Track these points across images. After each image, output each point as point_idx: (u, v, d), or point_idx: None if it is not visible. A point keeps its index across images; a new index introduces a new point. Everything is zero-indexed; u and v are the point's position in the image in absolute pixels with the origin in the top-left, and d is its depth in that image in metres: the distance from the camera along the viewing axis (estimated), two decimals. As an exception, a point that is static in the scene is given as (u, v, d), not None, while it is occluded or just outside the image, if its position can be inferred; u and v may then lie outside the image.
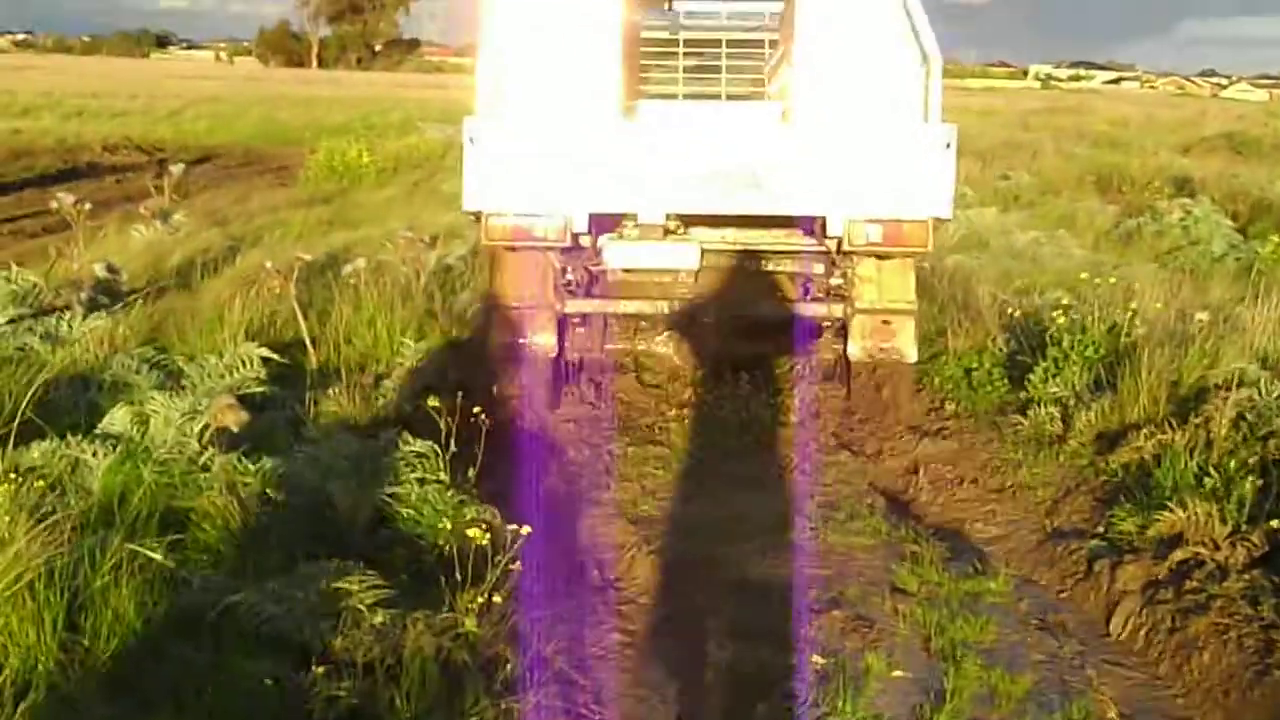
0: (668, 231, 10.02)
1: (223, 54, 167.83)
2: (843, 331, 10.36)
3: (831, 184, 9.41)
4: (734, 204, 9.48)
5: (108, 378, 9.25)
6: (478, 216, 9.68)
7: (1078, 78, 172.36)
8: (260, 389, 9.40)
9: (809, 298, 10.97)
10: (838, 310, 10.34)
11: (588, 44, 9.55)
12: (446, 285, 13.34)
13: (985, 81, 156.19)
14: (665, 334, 11.07)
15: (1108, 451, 9.36)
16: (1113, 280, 12.66)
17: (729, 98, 11.38)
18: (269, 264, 11.76)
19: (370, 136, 30.42)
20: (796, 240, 10.53)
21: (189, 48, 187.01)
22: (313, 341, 10.96)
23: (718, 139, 9.50)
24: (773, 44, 11.19)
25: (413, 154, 29.99)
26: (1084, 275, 12.60)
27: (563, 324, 10.30)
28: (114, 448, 7.50)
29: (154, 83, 66.94)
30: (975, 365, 11.32)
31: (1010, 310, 12.45)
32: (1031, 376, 10.73)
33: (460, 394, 8.70)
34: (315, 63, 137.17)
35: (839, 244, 9.74)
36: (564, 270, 10.27)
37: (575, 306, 10.45)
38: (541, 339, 10.10)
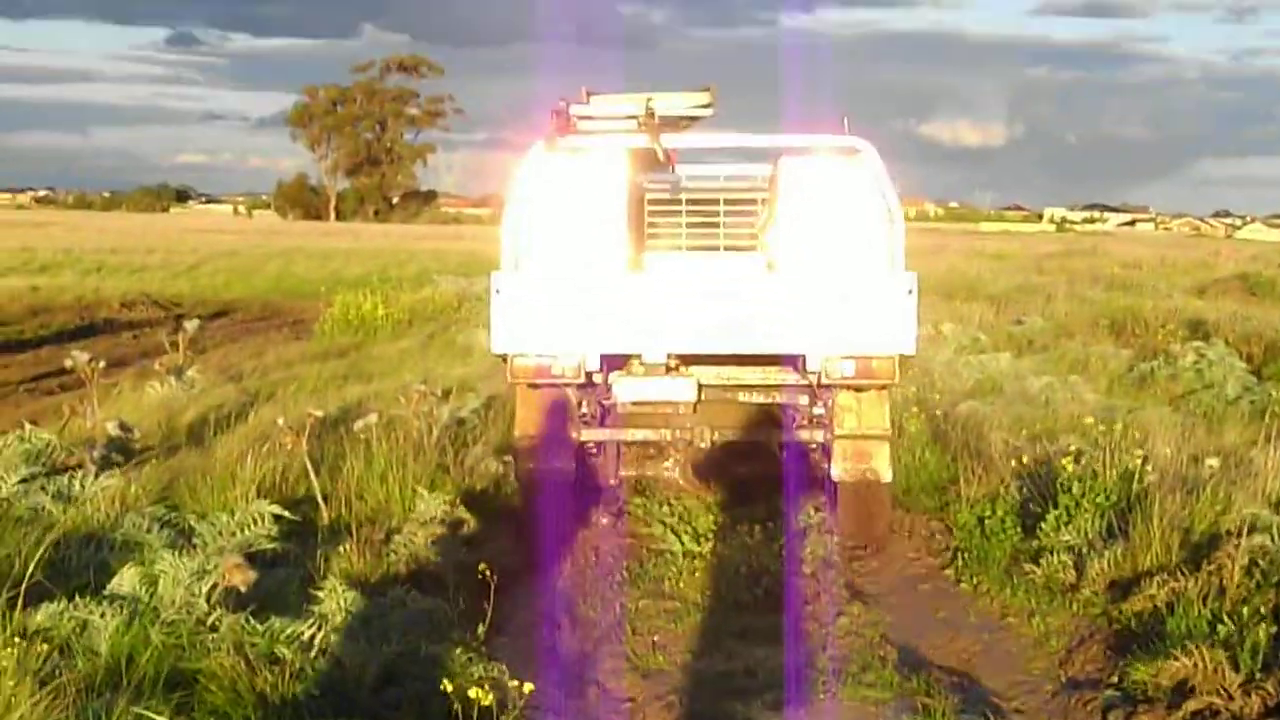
0: (669, 369, 11.22)
1: (241, 207, 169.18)
2: (826, 454, 11.50)
3: (810, 326, 10.76)
4: (726, 345, 10.84)
5: (118, 537, 9.28)
6: (504, 358, 10.97)
7: (1092, 220, 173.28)
8: (271, 546, 9.42)
9: (795, 425, 12.04)
10: (820, 436, 11.66)
11: (599, 206, 11.12)
12: (459, 439, 13.40)
13: (1001, 225, 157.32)
14: (670, 460, 12.61)
15: (1121, 599, 9.35)
16: (1125, 425, 12.68)
17: (726, 249, 12.51)
18: (281, 420, 11.82)
19: (386, 289, 30.59)
20: (782, 375, 11.64)
21: (208, 201, 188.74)
22: (324, 497, 11.00)
23: (711, 288, 10.89)
24: (763, 202, 12.35)
25: (428, 306, 30.19)
26: (1089, 420, 12.60)
27: (579, 452, 11.57)
28: (122, 609, 7.52)
29: (173, 237, 67.61)
30: (988, 513, 11.32)
31: (1023, 457, 12.47)
32: (1044, 524, 10.74)
33: (471, 547, 8.72)
34: (333, 215, 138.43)
35: (819, 378, 11.00)
36: (580, 404, 11.50)
37: (590, 435, 11.71)
38: (561, 465, 11.27)
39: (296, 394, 15.93)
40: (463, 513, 10.92)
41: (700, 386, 11.26)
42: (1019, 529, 11.05)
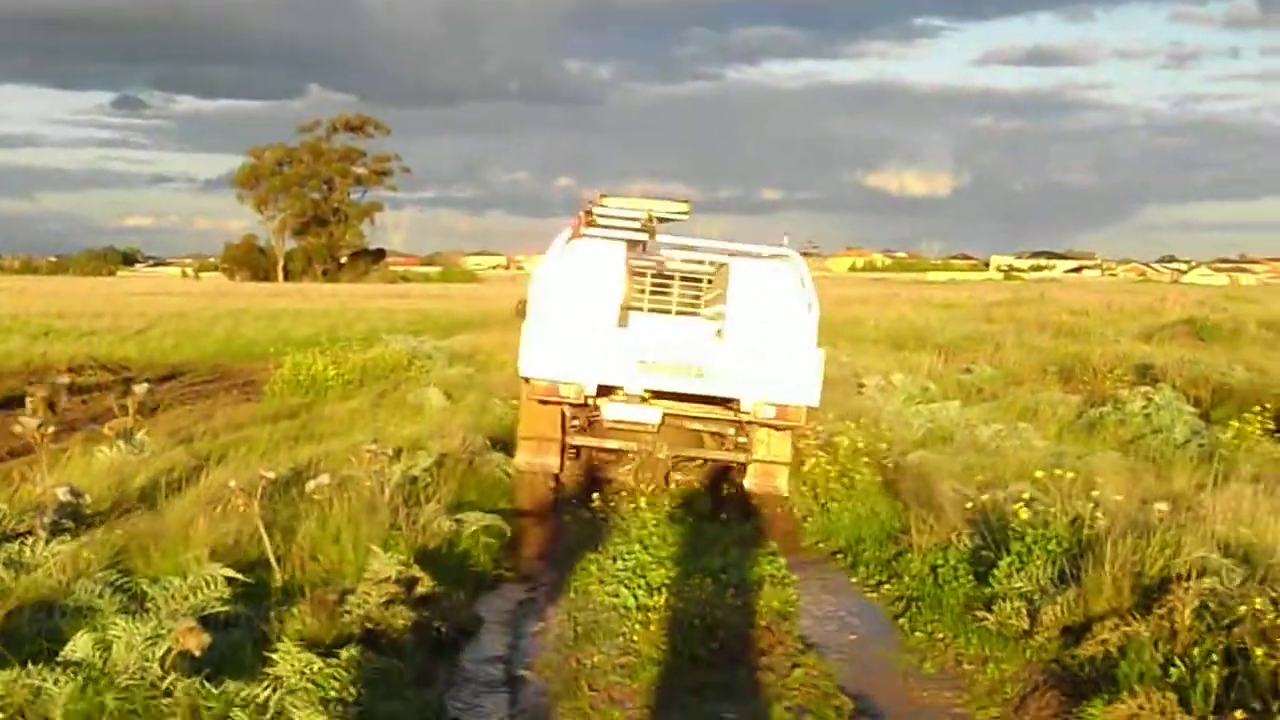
0: (642, 400, 15.61)
1: (189, 269, 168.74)
2: (741, 471, 16.12)
3: (746, 379, 15.00)
4: (684, 386, 15.21)
5: (71, 603, 9.23)
6: (526, 380, 15.51)
7: (1039, 267, 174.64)
8: (225, 609, 9.38)
9: (723, 448, 16.38)
10: (741, 457, 16.06)
11: (602, 280, 15.31)
12: (412, 497, 13.37)
13: (948, 274, 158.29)
14: (628, 466, 16.45)
15: (1074, 644, 9.42)
16: (1075, 472, 12.77)
17: (676, 313, 15.94)
18: (233, 482, 11.78)
19: (335, 349, 30.45)
20: (720, 412, 15.76)
21: (156, 264, 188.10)
22: (278, 559, 10.96)
23: (676, 345, 15.27)
24: (709, 281, 16.07)
25: (378, 365, 30.03)
26: (1040, 472, 12.69)
27: (564, 453, 16.17)
28: (76, 675, 7.48)
29: (120, 300, 67.25)
30: (940, 561, 11.39)
31: (974, 505, 12.55)
32: (996, 571, 10.81)
33: (426, 606, 8.71)
34: (281, 275, 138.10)
35: (748, 417, 15.26)
36: (573, 418, 16.05)
37: (579, 440, 16.30)
38: (551, 460, 16.00)
39: (248, 456, 15.86)
40: (416, 571, 10.88)
41: (664, 415, 15.82)
42: (972, 576, 11.12)
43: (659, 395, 15.53)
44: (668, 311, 15.88)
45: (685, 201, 16.25)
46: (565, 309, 15.21)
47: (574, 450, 16.43)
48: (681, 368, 15.01)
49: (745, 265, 15.55)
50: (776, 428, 15.35)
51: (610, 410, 15.84)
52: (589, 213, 15.84)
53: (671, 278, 16.06)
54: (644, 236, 16.03)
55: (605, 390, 15.48)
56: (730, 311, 15.22)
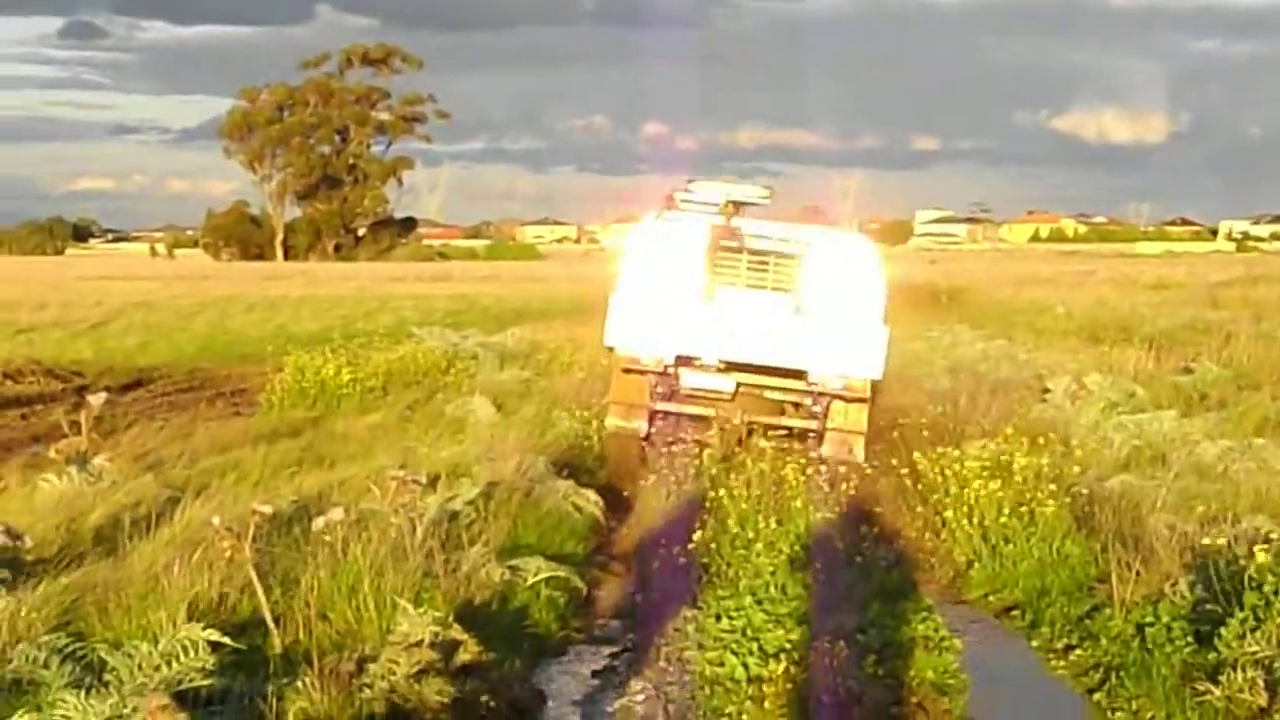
0: (718, 370, 20.87)
1: (160, 246, 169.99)
2: (819, 439, 21.15)
3: (814, 352, 20.39)
4: (759, 357, 20.53)
5: (7, 674, 9.34)
6: (611, 349, 21.37)
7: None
8: (208, 682, 9.46)
9: (798, 416, 21.61)
10: (814, 425, 21.23)
11: (686, 257, 20.81)
12: (452, 538, 13.45)
13: (1162, 245, 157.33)
14: (712, 430, 21.12)
15: (1327, 727, 9.35)
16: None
17: (771, 289, 21.11)
18: (218, 520, 11.85)
19: (352, 347, 30.60)
20: (795, 383, 20.97)
21: (116, 240, 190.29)
22: (276, 618, 11.06)
23: (751, 318, 20.61)
24: (788, 264, 21.11)
25: (407, 368, 30.08)
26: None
27: (651, 417, 21.62)
28: (14, 767, 7.57)
29: (69, 287, 67.87)
30: (1150, 619, 11.34)
31: (1195, 545, 12.48)
32: (1224, 631, 10.73)
33: (471, 677, 8.75)
34: (281, 253, 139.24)
35: (817, 388, 20.63)
36: (656, 386, 21.27)
37: (661, 406, 21.58)
38: (637, 424, 21.47)
39: (237, 485, 15.99)
40: (457, 632, 10.95)
41: (739, 385, 21.21)
42: (1191, 638, 11.06)
43: (735, 367, 20.94)
44: (746, 287, 21.13)
45: (768, 188, 22.88)
46: (648, 282, 20.77)
47: (661, 415, 21.96)
48: (755, 339, 20.45)
49: (821, 247, 21.05)
50: (843, 399, 20.79)
51: (687, 378, 21.26)
52: (673, 196, 22.11)
53: (752, 255, 21.18)
54: (723, 219, 21.42)
55: (685, 361, 20.95)
56: (803, 289, 20.84)
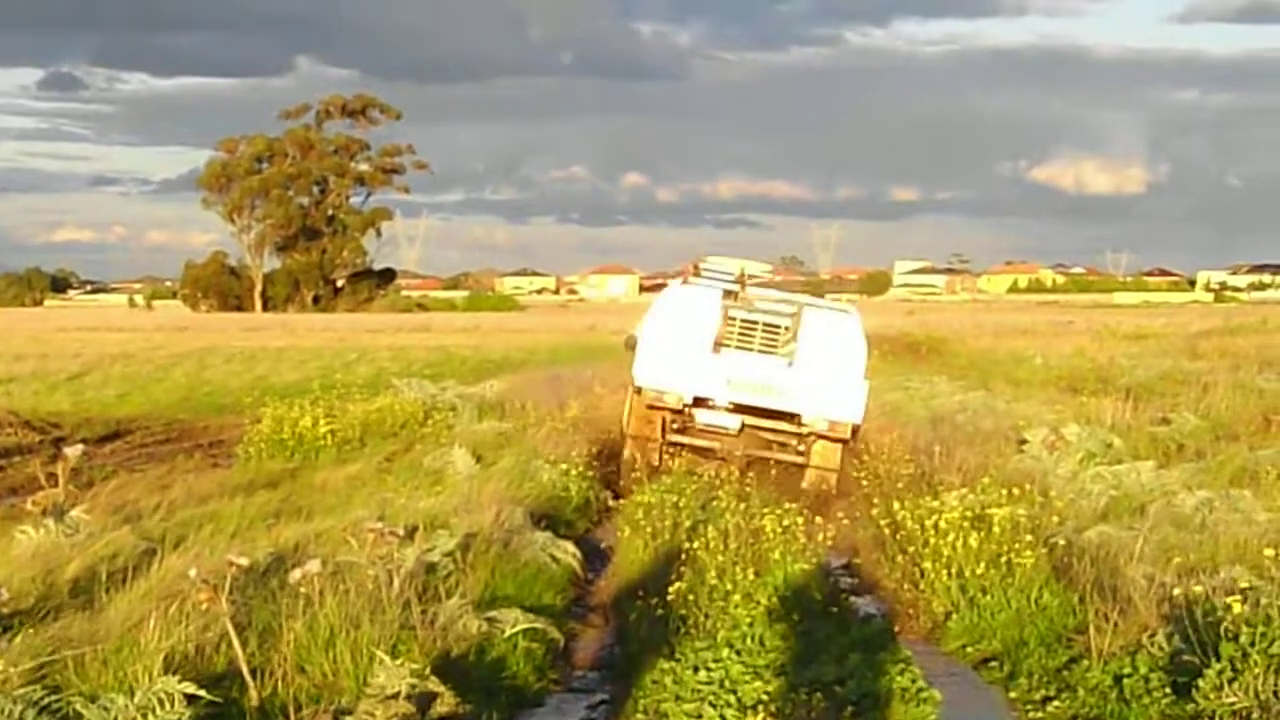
0: (727, 410, 25.39)
1: (138, 297, 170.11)
2: (800, 472, 25.37)
3: (807, 398, 24.84)
4: (762, 401, 25.10)
5: (-17, 728, 9.32)
6: (638, 390, 25.45)
7: (1260, 285, 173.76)
8: (184, 736, 9.44)
9: (787, 452, 25.67)
10: (800, 459, 25.43)
11: (703, 317, 25.28)
12: (430, 590, 13.44)
13: (1140, 295, 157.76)
14: (713, 464, 24.68)
15: (1306, 778, 9.35)
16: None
17: (758, 351, 25.55)
18: (195, 572, 11.85)
19: (330, 399, 30.65)
20: (785, 425, 25.32)
21: (95, 291, 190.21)
22: (253, 671, 11.04)
23: (756, 370, 25.10)
24: (786, 329, 25.51)
25: (385, 419, 30.15)
26: (1270, 551, 12.60)
27: (664, 449, 25.77)
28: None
29: (48, 338, 67.91)
30: (1128, 670, 11.35)
31: (1172, 596, 12.50)
32: (1201, 682, 10.75)
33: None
34: (259, 304, 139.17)
35: (807, 429, 25.08)
36: (671, 421, 25.62)
37: (674, 439, 25.72)
38: (652, 456, 25.56)
39: (214, 537, 16.00)
40: (435, 684, 10.95)
41: (743, 423, 25.48)
42: (1169, 689, 11.07)
43: (741, 408, 25.44)
44: (753, 346, 25.54)
45: (769, 264, 30.32)
46: (673, 336, 25.33)
47: (670, 449, 25.88)
48: (759, 386, 25.07)
49: (814, 314, 25.97)
50: (829, 438, 25.24)
51: (701, 415, 25.67)
52: (695, 267, 26.97)
53: (758, 317, 25.61)
54: (736, 288, 26.07)
55: (700, 401, 25.44)
56: (800, 347, 25.27)
